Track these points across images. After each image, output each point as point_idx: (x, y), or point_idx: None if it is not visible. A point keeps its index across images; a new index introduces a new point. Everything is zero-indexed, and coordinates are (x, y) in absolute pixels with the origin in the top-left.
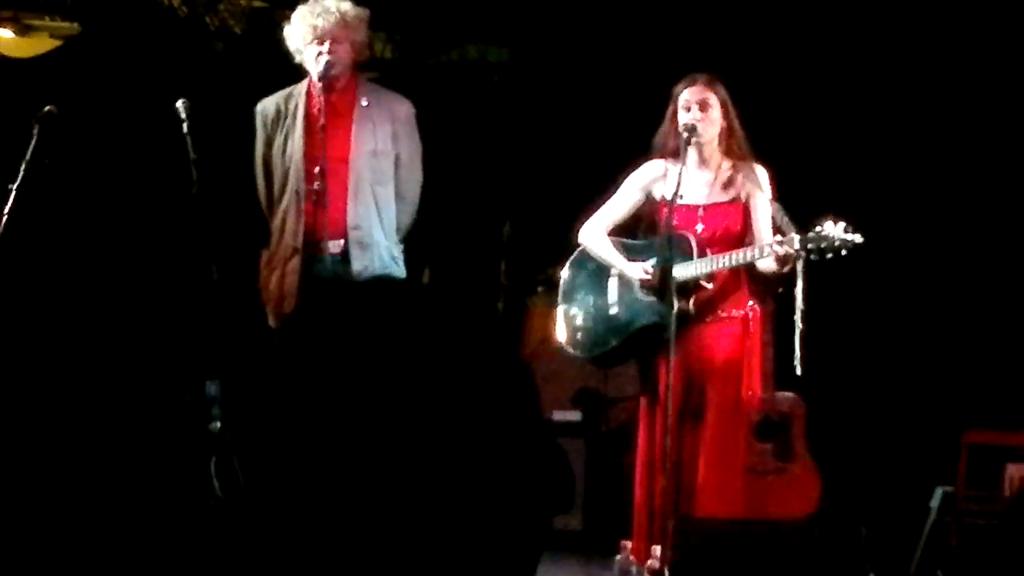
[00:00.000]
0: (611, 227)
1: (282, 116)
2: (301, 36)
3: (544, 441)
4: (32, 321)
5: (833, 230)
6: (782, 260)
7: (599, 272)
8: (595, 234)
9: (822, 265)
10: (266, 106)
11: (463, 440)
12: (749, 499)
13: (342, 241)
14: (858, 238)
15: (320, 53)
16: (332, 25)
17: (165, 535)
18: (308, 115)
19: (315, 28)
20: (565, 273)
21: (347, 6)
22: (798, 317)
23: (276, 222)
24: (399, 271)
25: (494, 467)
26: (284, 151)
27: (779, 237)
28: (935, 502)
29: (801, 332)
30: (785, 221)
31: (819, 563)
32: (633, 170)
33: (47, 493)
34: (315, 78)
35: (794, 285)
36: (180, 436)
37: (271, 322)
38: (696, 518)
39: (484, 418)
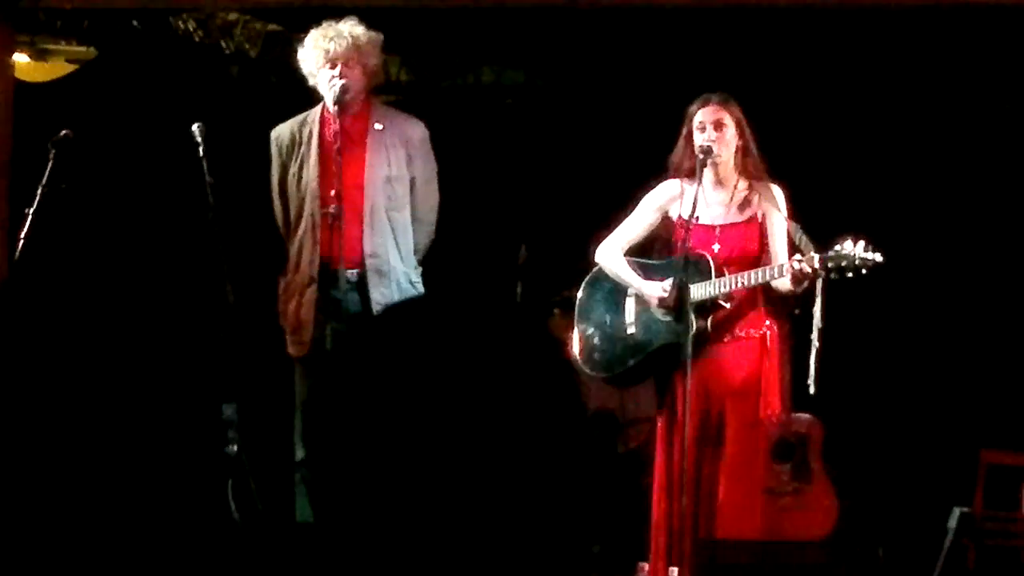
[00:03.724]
0: (627, 247)
1: (296, 143)
2: (314, 60)
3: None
4: (50, 343)
5: (853, 249)
6: (798, 279)
7: (616, 291)
8: (612, 254)
9: (839, 284)
10: (280, 133)
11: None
12: (767, 520)
13: (359, 269)
14: (878, 257)
15: (333, 77)
16: (344, 49)
17: (183, 557)
18: (322, 141)
19: (327, 52)
20: (581, 292)
21: (360, 30)
22: (815, 336)
23: (293, 250)
24: (417, 295)
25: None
26: (299, 179)
27: (798, 256)
28: (953, 523)
29: (817, 351)
30: (803, 240)
31: None
32: (649, 190)
33: (64, 512)
34: (328, 103)
35: (811, 305)
36: (197, 459)
37: (290, 350)
38: (714, 540)
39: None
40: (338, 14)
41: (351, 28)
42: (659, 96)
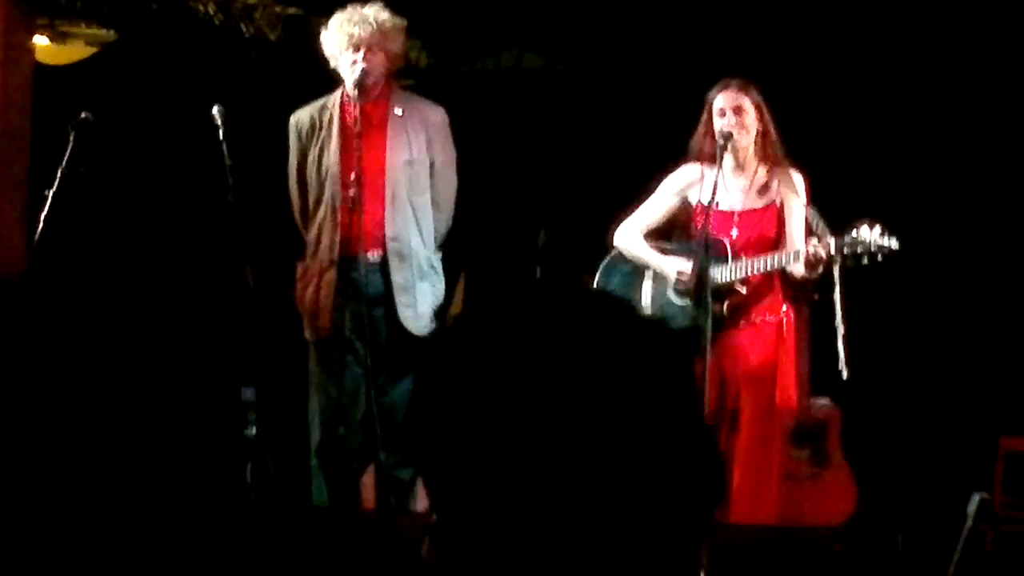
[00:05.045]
0: (646, 230)
1: (316, 128)
2: (337, 43)
3: (695, 429)
4: (69, 326)
5: (869, 234)
6: (812, 264)
7: (633, 275)
8: (630, 236)
9: (855, 270)
10: (300, 118)
11: (619, 435)
12: (785, 505)
13: (380, 251)
14: (894, 243)
15: (355, 62)
16: (368, 34)
17: (201, 539)
18: (343, 125)
19: (351, 36)
20: (598, 277)
21: (385, 15)
22: (838, 320)
23: (312, 235)
24: (437, 279)
25: (650, 460)
26: (319, 163)
27: (813, 240)
28: (971, 508)
29: (844, 335)
30: (821, 226)
31: (855, 570)
32: (668, 175)
33: (80, 498)
34: (348, 87)
35: (829, 290)
36: (216, 442)
37: (307, 335)
38: (731, 524)
39: (640, 411)
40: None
41: (376, 13)
42: (679, 80)
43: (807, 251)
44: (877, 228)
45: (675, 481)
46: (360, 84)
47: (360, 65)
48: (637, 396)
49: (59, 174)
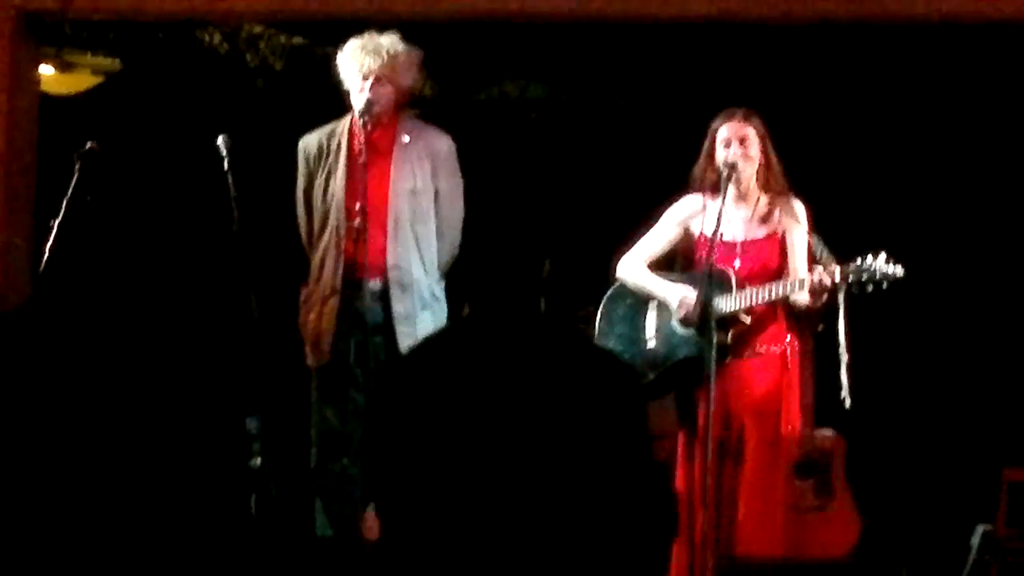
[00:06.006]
0: (649, 261)
1: (324, 153)
2: (347, 69)
3: (647, 461)
4: (74, 355)
5: (874, 262)
6: (817, 292)
7: (636, 306)
8: (633, 267)
9: (859, 299)
10: (308, 143)
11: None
12: (789, 538)
13: (381, 279)
14: (899, 271)
15: (362, 90)
16: (379, 65)
17: (205, 571)
18: (349, 152)
19: (361, 65)
20: (602, 307)
21: (400, 47)
22: (842, 348)
23: (316, 260)
24: (439, 309)
25: (601, 493)
26: (326, 189)
27: (819, 267)
28: (975, 540)
29: (848, 363)
30: (825, 254)
31: None
32: (670, 205)
33: (85, 526)
34: (356, 113)
35: (834, 321)
36: (220, 472)
37: (309, 361)
38: (736, 557)
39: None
40: (361, 29)
41: (392, 44)
42: (681, 111)
43: (812, 279)
44: (882, 256)
45: (628, 516)
46: (365, 114)
47: (366, 95)
48: (589, 428)
49: (64, 204)
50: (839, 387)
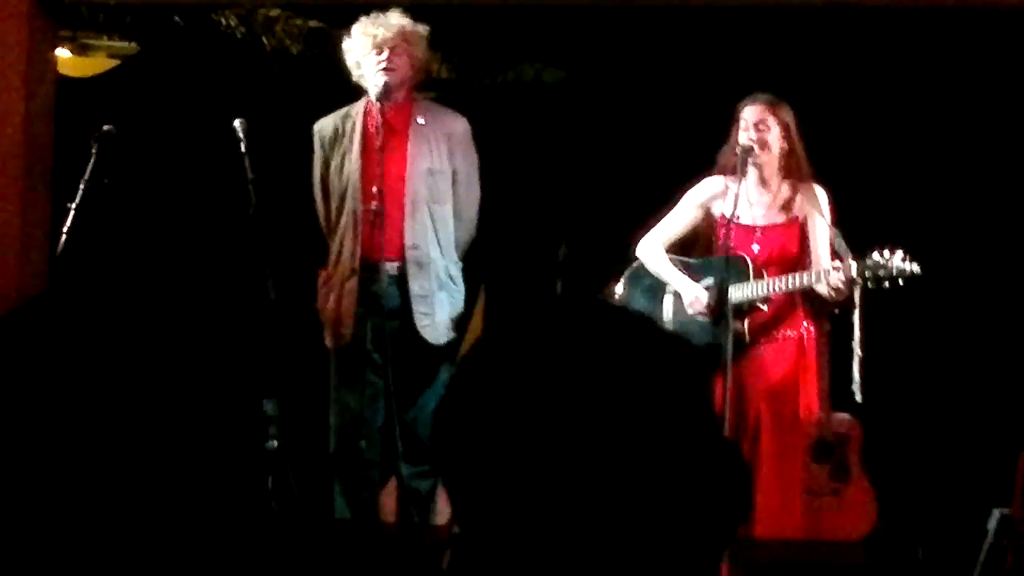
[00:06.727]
0: (668, 243)
1: (339, 136)
2: (360, 47)
3: (720, 443)
4: (90, 339)
5: (891, 259)
6: (835, 288)
7: (655, 288)
8: (653, 249)
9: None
10: (323, 126)
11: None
12: (806, 521)
13: (399, 260)
14: (916, 268)
15: (379, 63)
16: (392, 35)
17: (222, 554)
18: (366, 134)
19: (375, 38)
20: (621, 288)
21: (408, 21)
22: (856, 344)
23: (335, 243)
24: (456, 290)
25: (674, 475)
26: (342, 171)
27: (836, 263)
28: (992, 524)
29: (860, 360)
30: (842, 247)
31: None
32: (690, 187)
33: (99, 512)
34: (372, 93)
35: (850, 307)
36: (236, 455)
37: (328, 343)
38: (753, 540)
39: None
40: (379, 9)
41: (398, 17)
42: (700, 94)
43: (830, 281)
44: (899, 252)
45: (699, 498)
46: (385, 87)
47: (384, 65)
48: (660, 410)
49: (82, 187)
50: (863, 379)
